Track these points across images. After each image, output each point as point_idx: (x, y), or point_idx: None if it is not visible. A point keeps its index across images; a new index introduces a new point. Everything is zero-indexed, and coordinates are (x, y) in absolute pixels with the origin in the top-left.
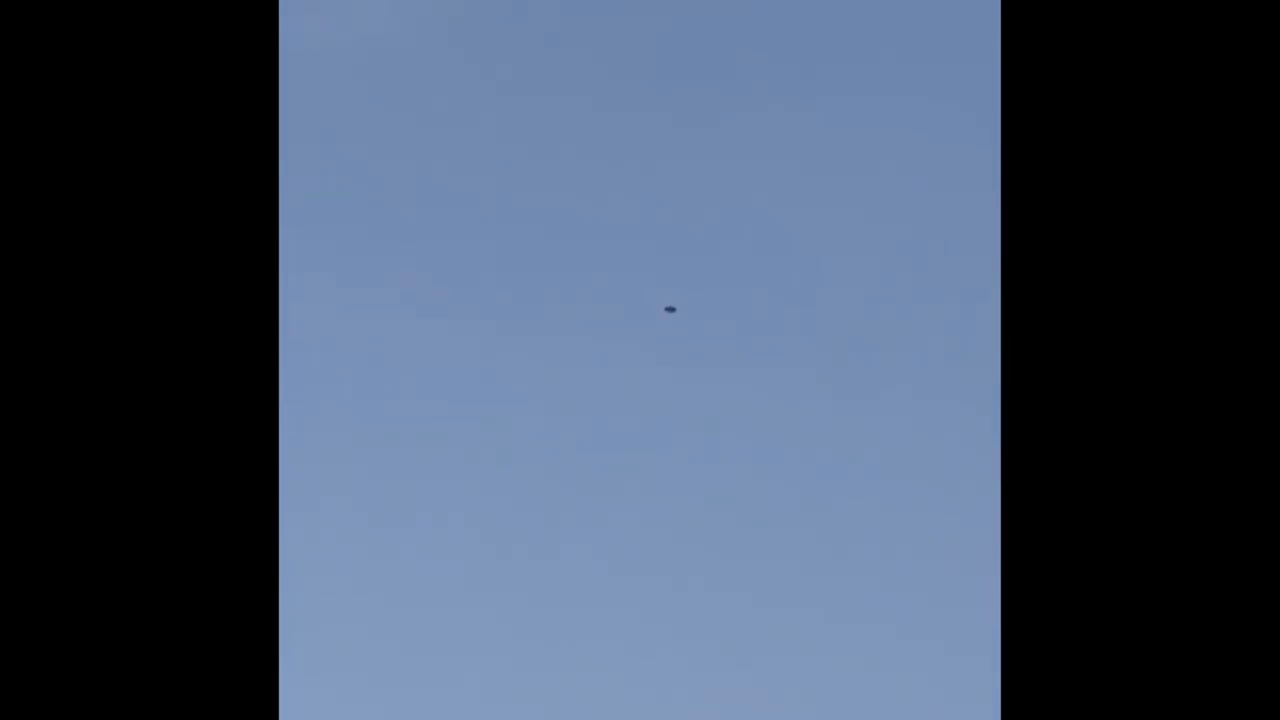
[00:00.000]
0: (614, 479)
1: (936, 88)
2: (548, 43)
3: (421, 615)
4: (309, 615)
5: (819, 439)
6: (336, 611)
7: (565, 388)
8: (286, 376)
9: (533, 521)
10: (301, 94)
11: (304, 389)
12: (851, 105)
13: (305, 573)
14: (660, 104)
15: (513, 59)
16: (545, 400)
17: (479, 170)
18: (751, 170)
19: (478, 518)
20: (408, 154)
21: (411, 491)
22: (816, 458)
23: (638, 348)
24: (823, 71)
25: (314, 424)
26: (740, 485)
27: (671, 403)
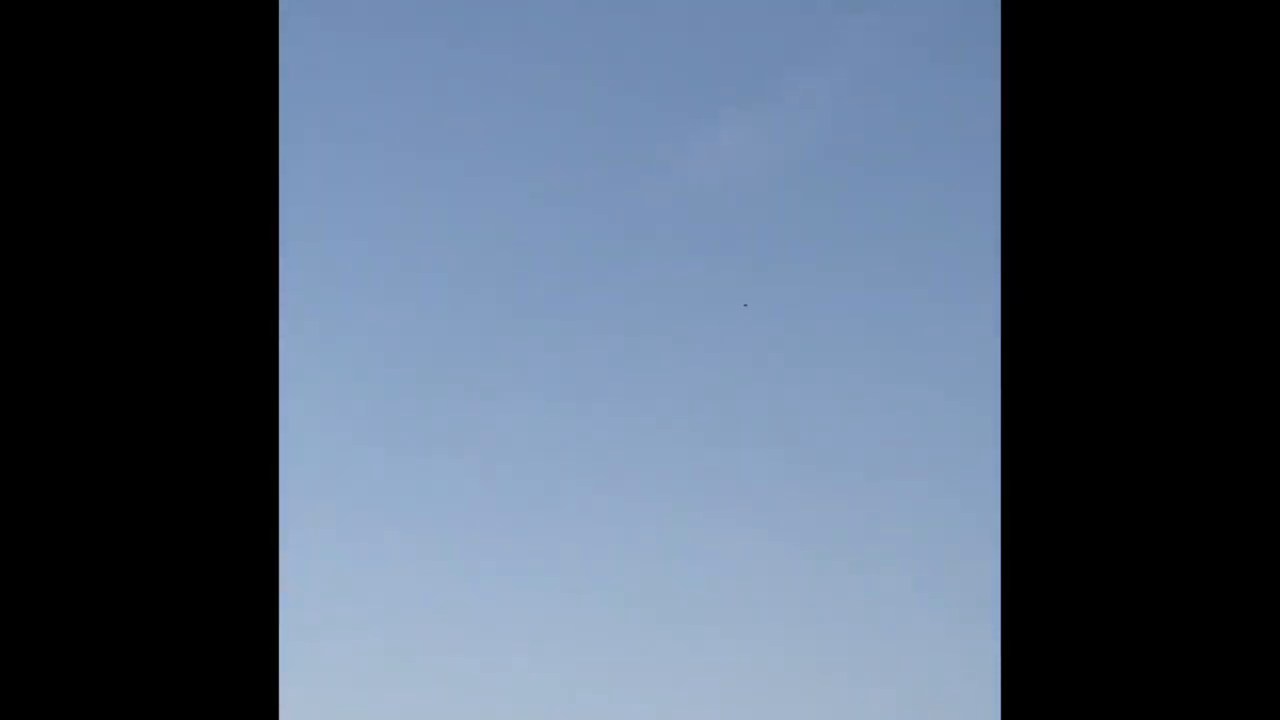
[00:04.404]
0: (617, 477)
1: (938, 87)
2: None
3: (420, 613)
4: (309, 612)
5: (819, 439)
6: (337, 608)
7: (567, 389)
8: (286, 373)
9: (532, 521)
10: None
11: (304, 382)
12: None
13: (305, 570)
14: (661, 104)
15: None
16: (550, 398)
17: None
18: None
19: (478, 515)
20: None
21: (412, 487)
22: (815, 455)
23: (641, 350)
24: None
25: (313, 419)
26: (742, 484)
27: (674, 404)
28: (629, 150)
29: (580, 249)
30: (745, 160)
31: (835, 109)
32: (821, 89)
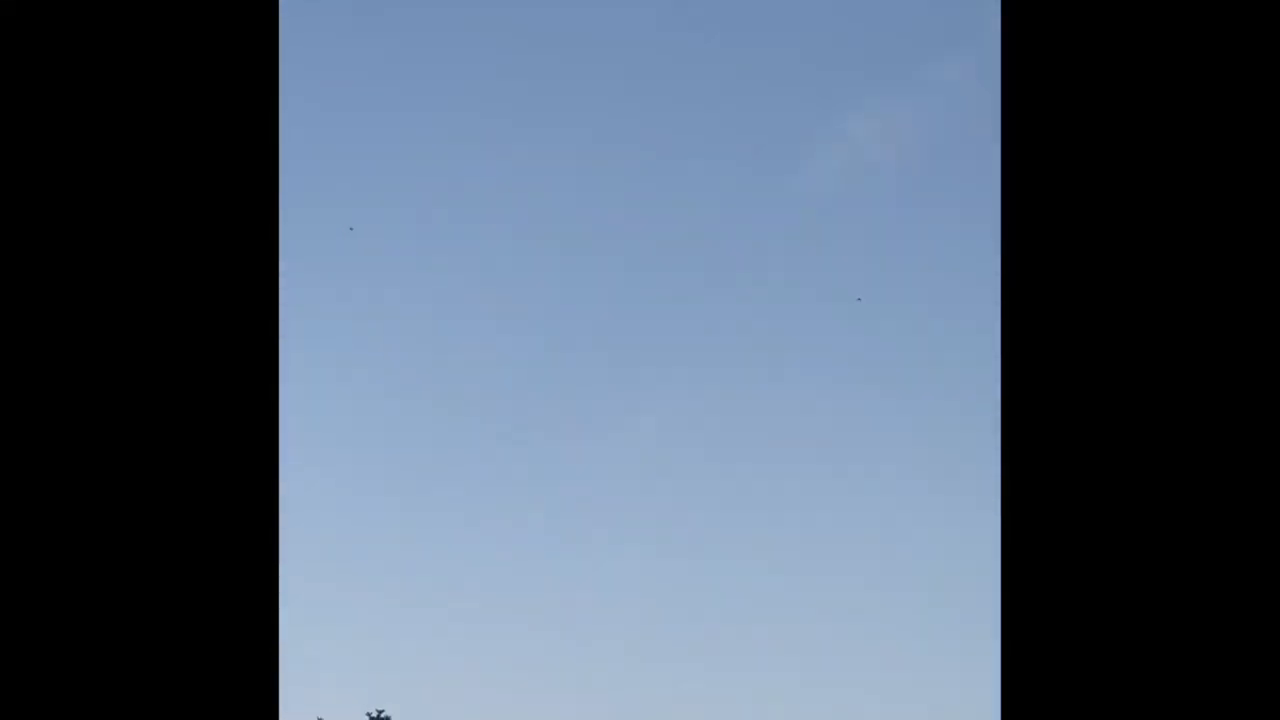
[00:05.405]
0: (624, 476)
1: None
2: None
3: (421, 608)
4: (309, 611)
5: (823, 439)
6: (337, 605)
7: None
8: (287, 372)
9: (534, 522)
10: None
11: (304, 380)
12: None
13: (304, 567)
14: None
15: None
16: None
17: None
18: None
19: (477, 515)
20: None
21: (413, 486)
22: (820, 456)
23: (644, 351)
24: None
25: (314, 418)
26: (746, 486)
27: (676, 409)
28: (762, 142)
29: (715, 243)
30: (873, 150)
31: (968, 97)
32: (953, 78)
